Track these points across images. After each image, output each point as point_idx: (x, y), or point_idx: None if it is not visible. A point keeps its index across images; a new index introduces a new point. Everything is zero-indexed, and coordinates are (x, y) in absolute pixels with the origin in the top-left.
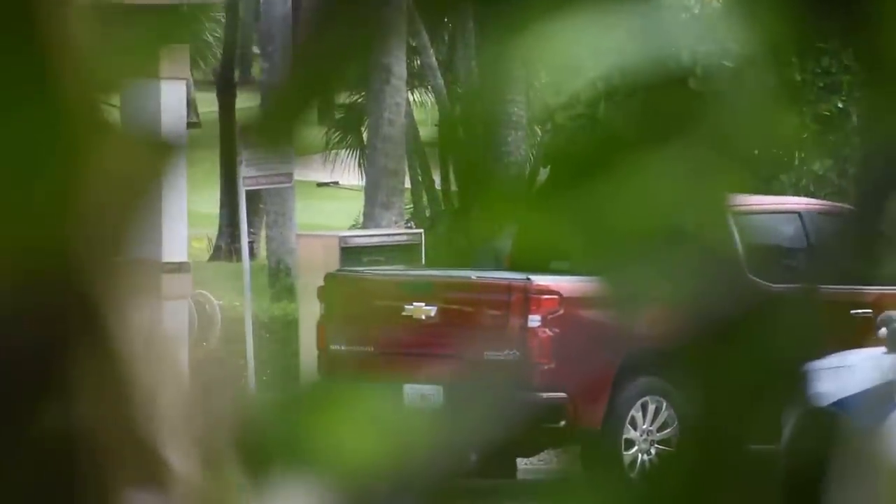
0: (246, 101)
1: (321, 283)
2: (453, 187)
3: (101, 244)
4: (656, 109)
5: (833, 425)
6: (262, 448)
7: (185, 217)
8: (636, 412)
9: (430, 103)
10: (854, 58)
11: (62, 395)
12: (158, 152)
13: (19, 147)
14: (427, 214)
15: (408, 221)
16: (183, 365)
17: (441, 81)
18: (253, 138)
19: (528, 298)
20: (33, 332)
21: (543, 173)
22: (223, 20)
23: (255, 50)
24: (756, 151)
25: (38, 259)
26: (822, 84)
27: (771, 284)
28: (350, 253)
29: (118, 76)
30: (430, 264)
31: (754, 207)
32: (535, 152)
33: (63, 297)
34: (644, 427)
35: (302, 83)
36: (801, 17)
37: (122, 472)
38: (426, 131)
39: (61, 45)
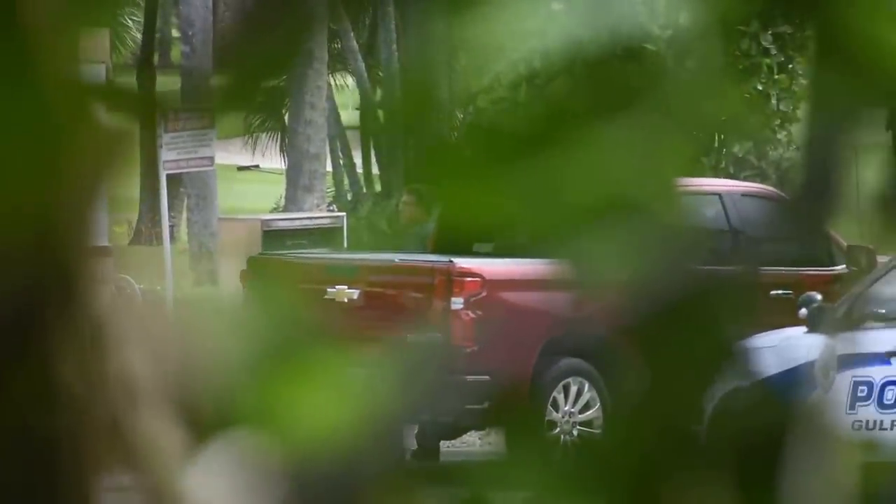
0: (165, 85)
1: (243, 266)
2: (374, 170)
3: (75, 217)
4: (580, 90)
5: (756, 403)
6: (212, 412)
7: (105, 201)
8: (558, 394)
9: (350, 87)
10: (806, 40)
11: (40, 362)
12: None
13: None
14: (349, 198)
15: (330, 204)
16: (147, 333)
17: (362, 65)
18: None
19: (450, 281)
20: (12, 302)
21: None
22: (142, 3)
23: (175, 34)
24: (681, 133)
25: (17, 231)
26: (741, 66)
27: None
28: (272, 236)
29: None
30: (353, 247)
31: None
32: (456, 135)
33: (40, 267)
34: (566, 409)
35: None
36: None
37: (96, 442)
38: (347, 115)
39: (37, 27)
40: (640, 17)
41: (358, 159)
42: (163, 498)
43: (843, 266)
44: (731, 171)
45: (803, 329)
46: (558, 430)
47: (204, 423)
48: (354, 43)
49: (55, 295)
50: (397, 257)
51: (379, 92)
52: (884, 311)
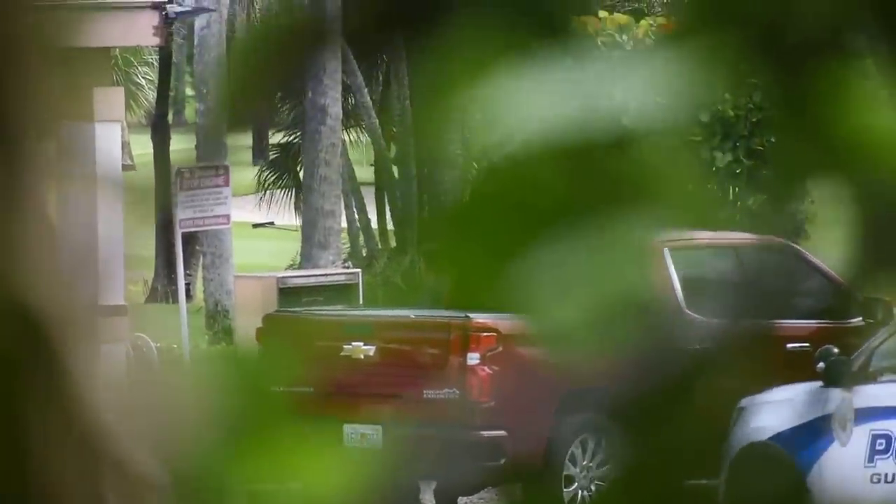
0: (180, 144)
1: (259, 324)
2: (390, 226)
3: (57, 284)
4: (579, 159)
5: (771, 460)
6: (206, 485)
7: (122, 259)
8: (576, 448)
9: (364, 143)
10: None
11: (20, 437)
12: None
13: None
14: (364, 254)
15: (345, 261)
16: (131, 401)
17: (376, 121)
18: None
19: (466, 336)
20: None
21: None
22: (156, 63)
23: (189, 92)
24: (690, 188)
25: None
26: (754, 119)
27: (707, 319)
28: (288, 294)
29: (55, 118)
30: (369, 303)
31: (690, 243)
32: (466, 195)
33: (20, 338)
34: (584, 463)
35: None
36: (735, 68)
37: None
38: (361, 171)
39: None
40: (646, 78)
41: (373, 215)
42: None
43: (860, 318)
44: (746, 223)
45: (820, 382)
46: (576, 485)
47: (188, 495)
48: (368, 99)
49: (37, 365)
50: (413, 313)
51: (393, 148)
52: None
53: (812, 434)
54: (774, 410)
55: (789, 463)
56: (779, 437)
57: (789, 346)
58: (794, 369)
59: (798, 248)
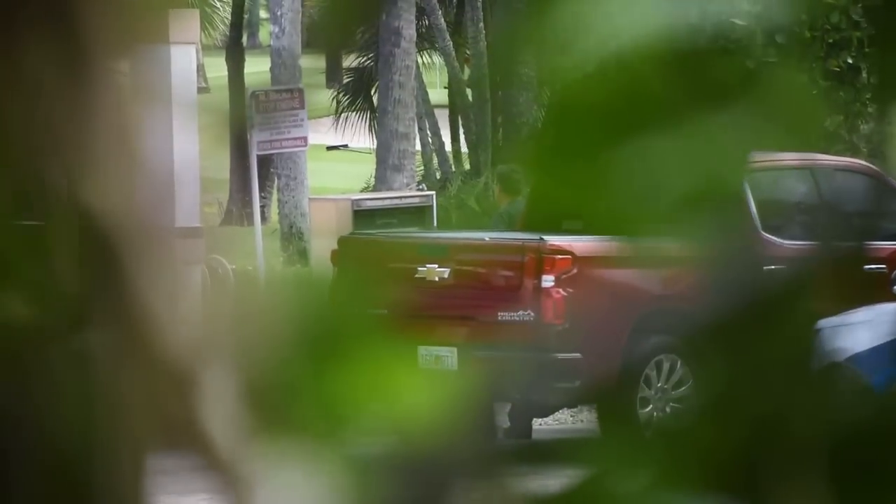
0: (254, 66)
1: (334, 246)
2: (463, 149)
3: (131, 203)
4: (668, 69)
5: (848, 381)
6: (280, 405)
7: (198, 182)
8: (650, 370)
9: (438, 65)
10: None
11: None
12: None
13: (47, 108)
14: (437, 176)
15: (419, 184)
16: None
17: (450, 43)
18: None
19: (541, 259)
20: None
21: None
22: None
23: (263, 14)
24: (770, 110)
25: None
26: (831, 40)
27: (784, 241)
28: (362, 216)
29: (129, 41)
30: (442, 226)
31: (766, 164)
32: (543, 113)
33: (92, 250)
34: (659, 385)
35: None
36: None
37: (149, 427)
38: (435, 93)
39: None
40: (716, 16)
41: (446, 138)
42: (231, 479)
43: None
44: (823, 145)
45: None
46: (651, 407)
47: (277, 411)
48: (442, 21)
49: (100, 274)
50: (487, 235)
51: (467, 70)
52: None
53: (889, 355)
54: (851, 332)
55: (866, 384)
56: (855, 359)
57: (866, 267)
58: (871, 291)
59: (876, 168)
